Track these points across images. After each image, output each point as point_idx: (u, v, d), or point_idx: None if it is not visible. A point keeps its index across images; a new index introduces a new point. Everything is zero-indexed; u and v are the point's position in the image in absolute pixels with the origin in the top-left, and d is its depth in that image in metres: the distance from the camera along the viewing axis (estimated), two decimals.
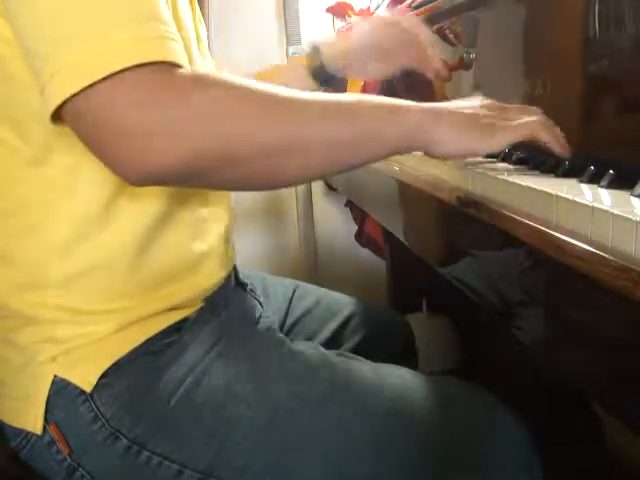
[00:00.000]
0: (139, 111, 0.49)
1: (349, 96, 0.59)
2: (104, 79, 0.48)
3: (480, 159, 0.75)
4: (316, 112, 0.56)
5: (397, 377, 0.71)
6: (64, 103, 0.50)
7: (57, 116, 0.52)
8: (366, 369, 0.71)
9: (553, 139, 0.59)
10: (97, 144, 0.52)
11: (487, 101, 0.63)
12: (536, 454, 0.65)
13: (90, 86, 0.48)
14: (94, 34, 0.49)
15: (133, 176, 0.52)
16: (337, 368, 0.69)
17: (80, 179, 0.61)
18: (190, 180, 0.55)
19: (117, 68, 0.48)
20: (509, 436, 0.65)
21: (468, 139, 0.58)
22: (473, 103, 0.62)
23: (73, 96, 0.49)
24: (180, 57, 0.52)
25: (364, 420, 0.64)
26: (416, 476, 0.62)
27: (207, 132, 0.51)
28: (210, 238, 0.72)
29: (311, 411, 0.63)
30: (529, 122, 0.59)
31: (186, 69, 0.53)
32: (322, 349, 0.73)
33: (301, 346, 0.72)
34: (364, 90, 1.44)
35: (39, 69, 0.51)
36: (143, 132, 0.49)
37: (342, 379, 0.67)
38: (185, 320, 0.68)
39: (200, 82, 0.52)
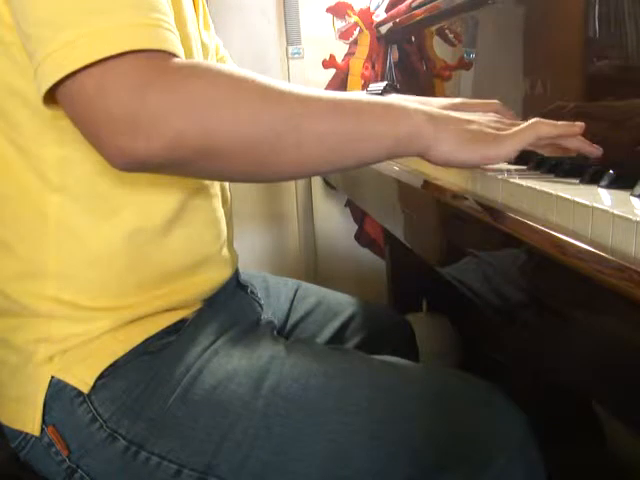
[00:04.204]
0: (129, 96, 0.49)
1: (347, 94, 0.59)
2: (99, 62, 0.49)
3: None
4: (309, 107, 0.55)
5: (395, 367, 0.71)
6: (58, 85, 0.50)
7: (50, 100, 0.52)
8: (364, 361, 0.71)
9: (559, 131, 0.58)
10: (87, 126, 0.52)
11: (489, 115, 0.63)
12: (534, 439, 0.65)
13: (84, 68, 0.49)
14: (90, 18, 0.50)
15: (119, 160, 0.53)
16: (334, 361, 0.69)
17: (72, 172, 0.61)
18: (173, 167, 0.55)
19: (113, 52, 0.49)
20: (508, 421, 0.65)
21: (469, 149, 0.58)
22: (475, 116, 0.62)
23: (67, 77, 0.50)
24: (175, 47, 0.53)
25: (362, 411, 0.63)
26: (416, 464, 0.62)
27: (191, 120, 0.51)
28: (215, 240, 0.72)
29: (308, 406, 0.63)
30: (530, 124, 0.58)
31: (180, 58, 0.53)
32: (319, 344, 0.73)
33: (298, 343, 0.72)
34: (364, 87, 1.44)
35: (33, 51, 0.52)
36: (131, 116, 0.49)
37: (340, 372, 0.67)
38: (183, 321, 0.68)
39: (191, 70, 0.52)
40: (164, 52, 0.52)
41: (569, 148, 0.60)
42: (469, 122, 0.59)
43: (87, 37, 0.49)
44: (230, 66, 0.54)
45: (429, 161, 0.59)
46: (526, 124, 0.59)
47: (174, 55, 0.53)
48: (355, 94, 0.59)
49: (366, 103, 0.58)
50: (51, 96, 0.52)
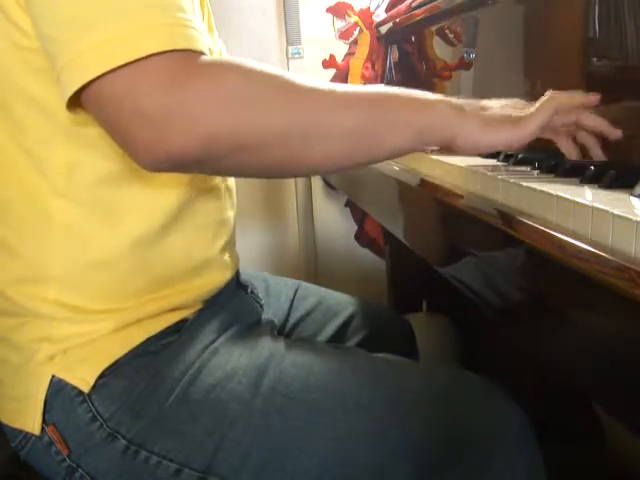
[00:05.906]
0: (162, 94, 0.50)
1: (373, 87, 0.59)
2: (128, 64, 0.49)
3: (480, 160, 0.75)
4: (336, 100, 0.56)
5: (395, 365, 0.71)
6: (84, 87, 0.51)
7: (71, 103, 0.53)
8: (364, 359, 0.71)
9: (576, 101, 0.59)
10: (117, 128, 0.53)
11: (509, 101, 0.63)
12: (534, 438, 0.65)
13: (114, 70, 0.49)
14: (117, 19, 0.50)
15: (151, 159, 0.53)
16: (334, 359, 0.69)
17: (78, 178, 0.61)
18: (206, 164, 0.55)
19: (143, 54, 0.49)
20: (508, 419, 0.65)
21: (496, 132, 0.58)
22: (495, 102, 0.62)
23: (95, 80, 0.50)
24: (202, 45, 0.54)
25: (363, 409, 0.63)
26: (416, 462, 0.62)
27: (224, 116, 0.51)
28: (216, 243, 0.72)
29: (308, 403, 0.63)
30: (547, 99, 0.59)
31: (207, 56, 0.54)
32: (319, 342, 0.73)
33: (299, 341, 0.72)
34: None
35: (57, 53, 0.52)
36: (164, 114, 0.50)
37: (340, 369, 0.67)
38: (184, 321, 0.68)
39: (221, 67, 0.53)
40: (191, 51, 0.52)
41: (589, 128, 0.60)
42: (488, 107, 0.60)
43: (115, 39, 0.49)
44: (256, 62, 0.55)
45: (457, 150, 0.59)
46: (543, 98, 0.59)
47: (202, 53, 0.53)
48: (381, 87, 0.60)
49: (391, 95, 0.59)
50: (73, 99, 0.52)
